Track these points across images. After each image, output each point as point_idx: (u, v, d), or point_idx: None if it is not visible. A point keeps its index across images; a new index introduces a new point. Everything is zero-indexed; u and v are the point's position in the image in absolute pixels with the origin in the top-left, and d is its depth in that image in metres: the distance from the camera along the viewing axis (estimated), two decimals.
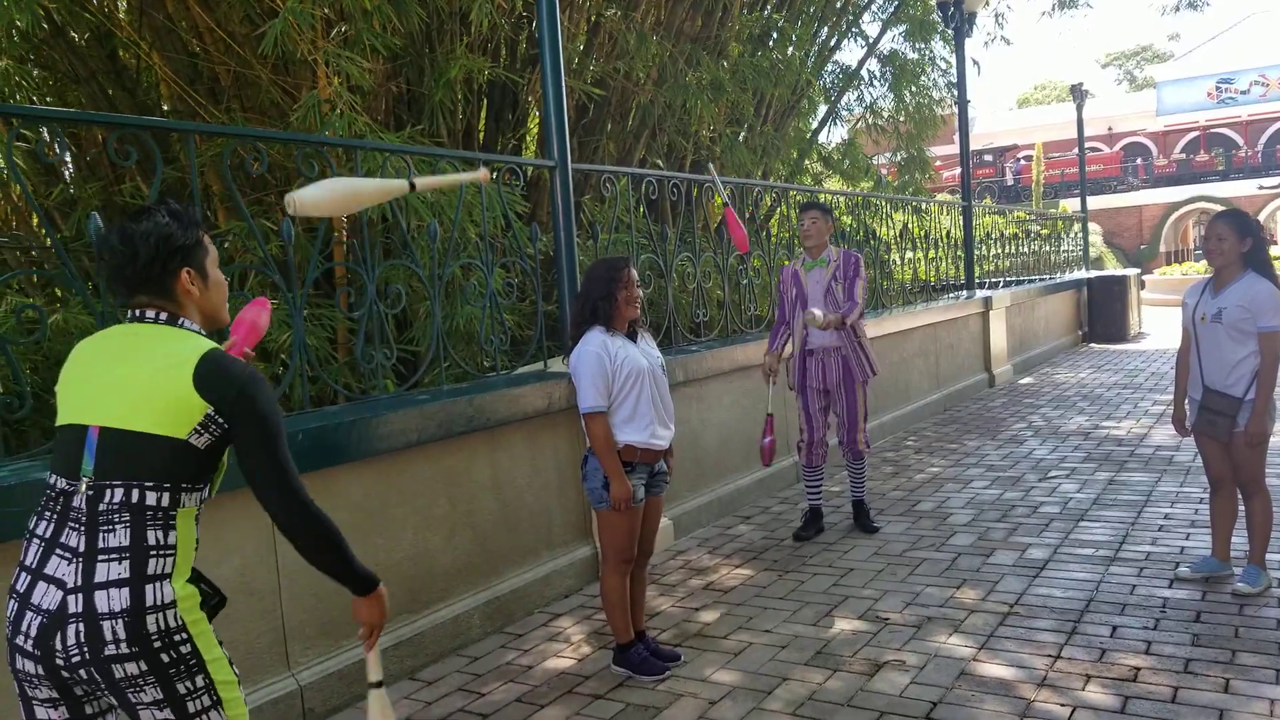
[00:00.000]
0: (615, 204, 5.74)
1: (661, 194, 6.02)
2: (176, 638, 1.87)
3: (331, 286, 5.51)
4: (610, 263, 3.73)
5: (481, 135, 7.64)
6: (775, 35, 9.33)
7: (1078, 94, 18.22)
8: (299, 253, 4.52)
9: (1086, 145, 22.53)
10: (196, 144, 4.40)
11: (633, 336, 3.76)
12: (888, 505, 6.03)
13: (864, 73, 11.52)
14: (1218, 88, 38.64)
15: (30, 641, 1.83)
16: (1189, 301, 4.28)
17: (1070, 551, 4.88)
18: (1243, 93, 38.17)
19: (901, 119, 11.86)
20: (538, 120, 8.11)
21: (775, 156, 9.83)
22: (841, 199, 9.29)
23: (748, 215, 8.53)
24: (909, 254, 10.22)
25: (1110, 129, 40.08)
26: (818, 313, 5.10)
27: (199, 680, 1.91)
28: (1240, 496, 4.24)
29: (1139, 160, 39.16)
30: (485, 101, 7.79)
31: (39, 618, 1.83)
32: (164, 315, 2.00)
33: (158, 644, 1.85)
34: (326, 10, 5.50)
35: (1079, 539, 5.07)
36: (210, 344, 1.99)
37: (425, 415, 4.08)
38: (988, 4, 12.55)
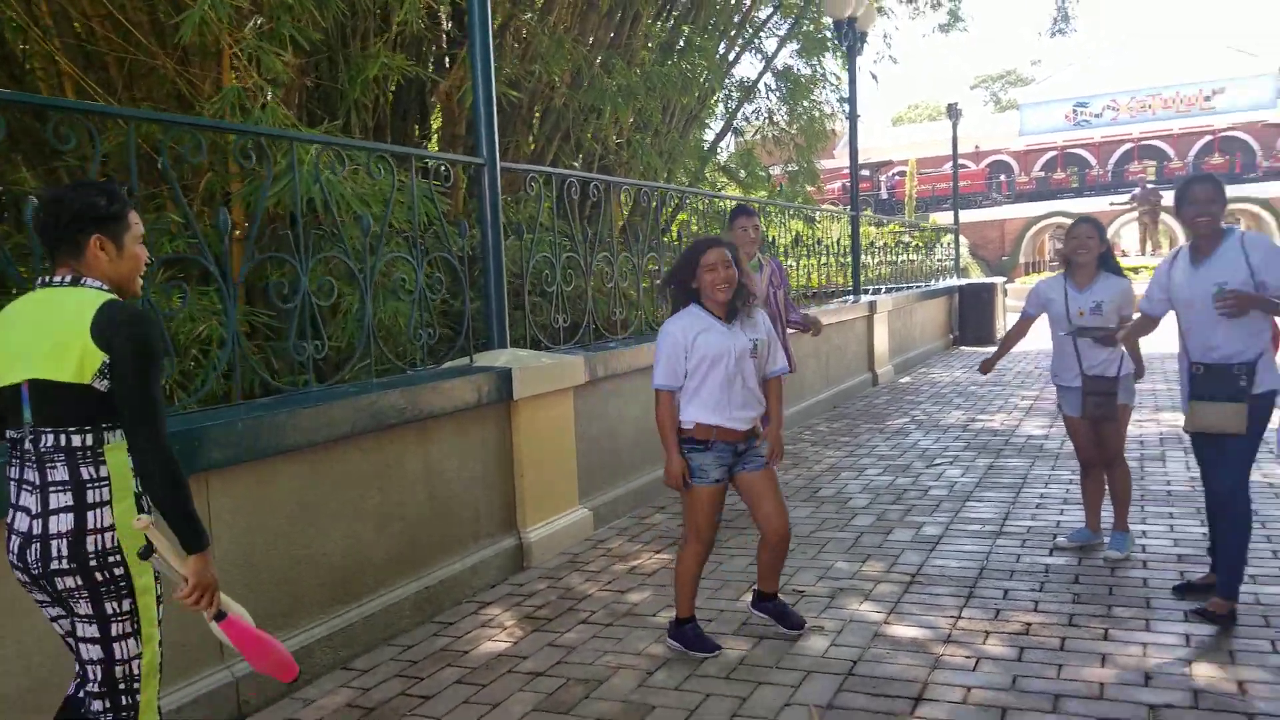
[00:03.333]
0: (540, 203, 5.91)
1: (584, 194, 6.23)
2: (111, 559, 2.21)
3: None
4: (695, 244, 3.76)
5: (389, 132, 7.67)
6: (683, 45, 9.66)
7: (953, 113, 19.29)
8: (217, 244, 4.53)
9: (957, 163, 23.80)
10: (103, 133, 4.35)
11: (732, 316, 3.72)
12: (792, 492, 6.39)
13: (761, 86, 11.99)
14: (1074, 110, 41.28)
15: (14, 557, 2.25)
16: (1054, 297, 4.71)
17: (960, 528, 5.33)
18: (1096, 116, 40.91)
19: (795, 131, 12.38)
20: (440, 119, 8.19)
21: (679, 163, 10.16)
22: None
23: (652, 219, 8.81)
24: (802, 260, 10.70)
25: (977, 147, 42.29)
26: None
27: (125, 604, 2.25)
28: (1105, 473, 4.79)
29: (1002, 177, 41.48)
30: (393, 98, 7.84)
31: (18, 539, 2.24)
32: (69, 277, 2.27)
33: (94, 563, 2.19)
34: (243, 2, 5.49)
35: (967, 517, 5.54)
36: (108, 296, 2.26)
37: (359, 407, 4.15)
38: (875, 25, 13.22)
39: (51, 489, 2.19)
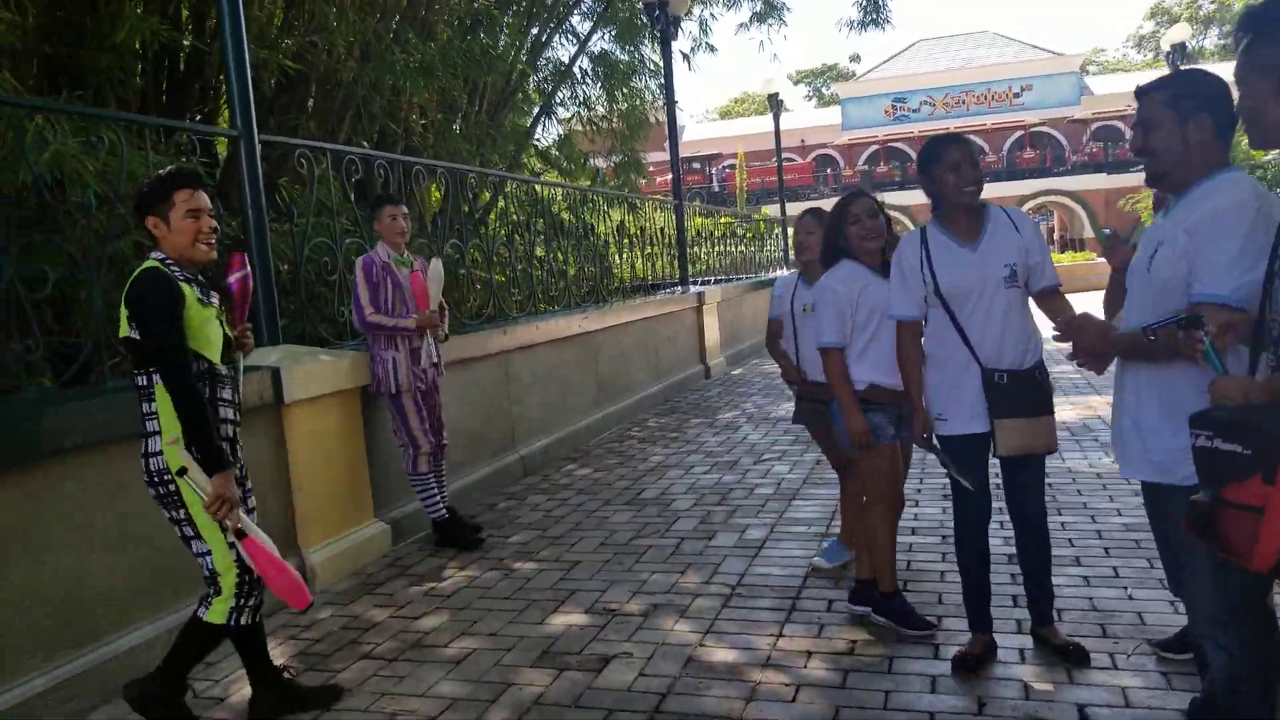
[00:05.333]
0: (315, 185, 5.24)
1: (369, 178, 5.58)
2: (165, 477, 2.87)
3: None
4: (840, 200, 3.66)
5: (159, 106, 6.80)
6: (485, 22, 9.09)
7: (774, 104, 19.44)
8: None
9: (783, 156, 24.20)
10: None
11: (886, 270, 3.47)
12: (614, 495, 5.98)
13: (576, 70, 11.55)
14: (894, 105, 42.93)
15: None
16: (783, 294, 4.40)
17: (785, 530, 5.02)
18: (914, 111, 42.66)
19: (615, 119, 12.01)
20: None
21: (492, 148, 9.59)
22: (559, 192, 9.23)
23: (465, 209, 8.22)
24: (626, 251, 10.35)
25: (803, 141, 43.39)
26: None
27: (181, 512, 2.91)
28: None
29: (828, 170, 42.71)
30: (168, 71, 6.97)
31: None
32: (149, 249, 3.00)
33: (155, 480, 2.89)
34: None
35: (792, 517, 5.24)
36: (150, 265, 2.89)
37: (85, 413, 3.47)
38: (690, 12, 12.99)
39: (143, 420, 2.89)
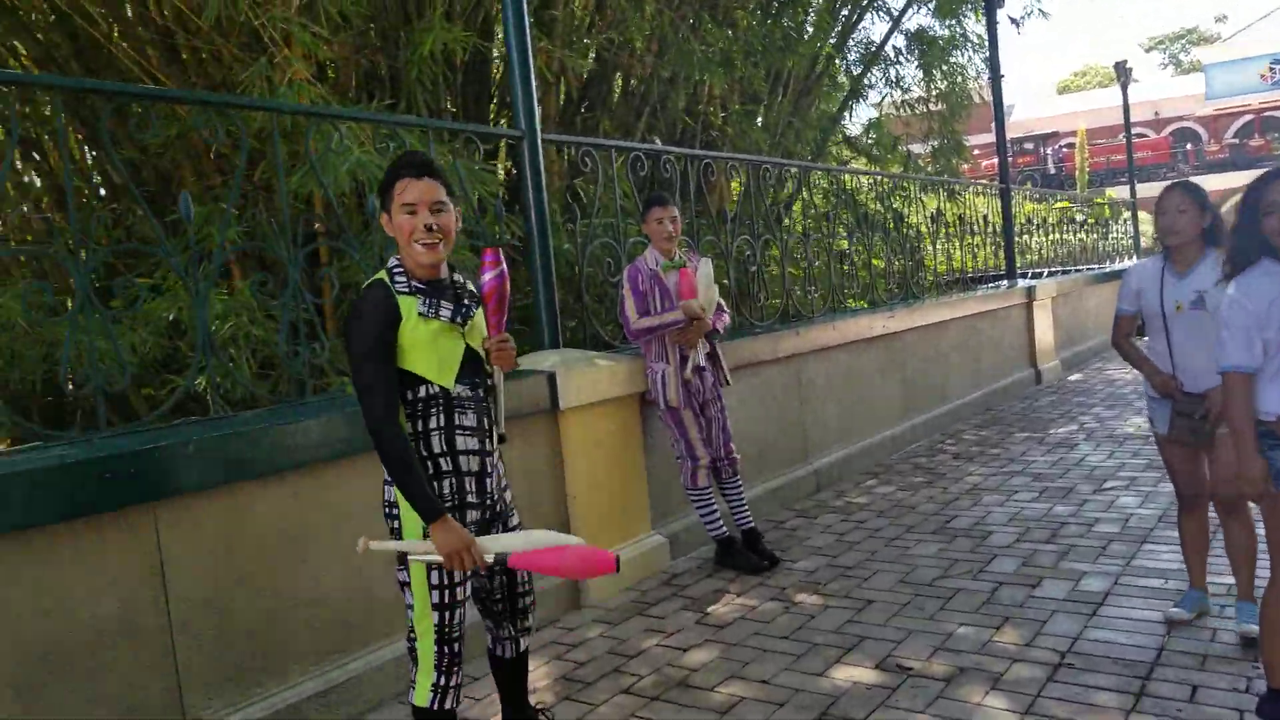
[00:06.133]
0: (600, 182, 5.05)
1: (657, 174, 5.33)
2: (392, 510, 2.55)
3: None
4: (1253, 183, 2.84)
5: (458, 112, 7.01)
6: (789, 6, 8.60)
7: (1122, 72, 17.25)
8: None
9: (1133, 131, 21.47)
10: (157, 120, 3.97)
11: None
12: (918, 521, 5.28)
13: (889, 49, 10.75)
14: (1271, 69, 37.03)
15: None
16: (1145, 287, 3.49)
17: (1133, 582, 4.08)
18: None
19: (932, 100, 11.07)
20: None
21: (795, 138, 9.09)
22: (864, 179, 8.55)
23: (769, 203, 7.80)
24: (941, 241, 9.42)
25: (1157, 114, 38.65)
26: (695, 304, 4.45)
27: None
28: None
29: (1189, 146, 37.69)
30: (473, 77, 7.19)
31: None
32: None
33: (385, 510, 2.57)
34: None
35: (1143, 566, 4.27)
36: (376, 278, 2.51)
37: (358, 419, 3.45)
38: None
39: None
